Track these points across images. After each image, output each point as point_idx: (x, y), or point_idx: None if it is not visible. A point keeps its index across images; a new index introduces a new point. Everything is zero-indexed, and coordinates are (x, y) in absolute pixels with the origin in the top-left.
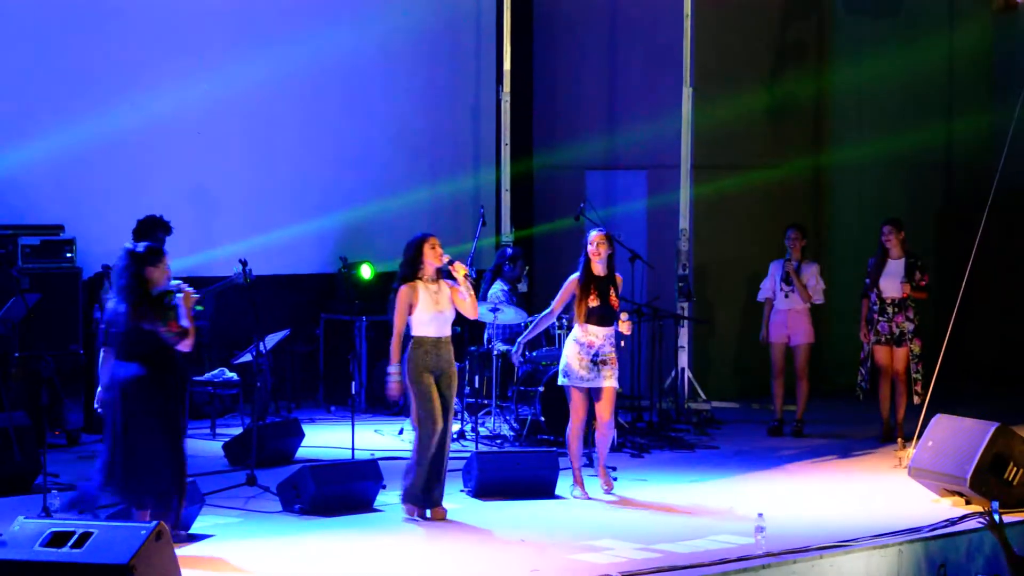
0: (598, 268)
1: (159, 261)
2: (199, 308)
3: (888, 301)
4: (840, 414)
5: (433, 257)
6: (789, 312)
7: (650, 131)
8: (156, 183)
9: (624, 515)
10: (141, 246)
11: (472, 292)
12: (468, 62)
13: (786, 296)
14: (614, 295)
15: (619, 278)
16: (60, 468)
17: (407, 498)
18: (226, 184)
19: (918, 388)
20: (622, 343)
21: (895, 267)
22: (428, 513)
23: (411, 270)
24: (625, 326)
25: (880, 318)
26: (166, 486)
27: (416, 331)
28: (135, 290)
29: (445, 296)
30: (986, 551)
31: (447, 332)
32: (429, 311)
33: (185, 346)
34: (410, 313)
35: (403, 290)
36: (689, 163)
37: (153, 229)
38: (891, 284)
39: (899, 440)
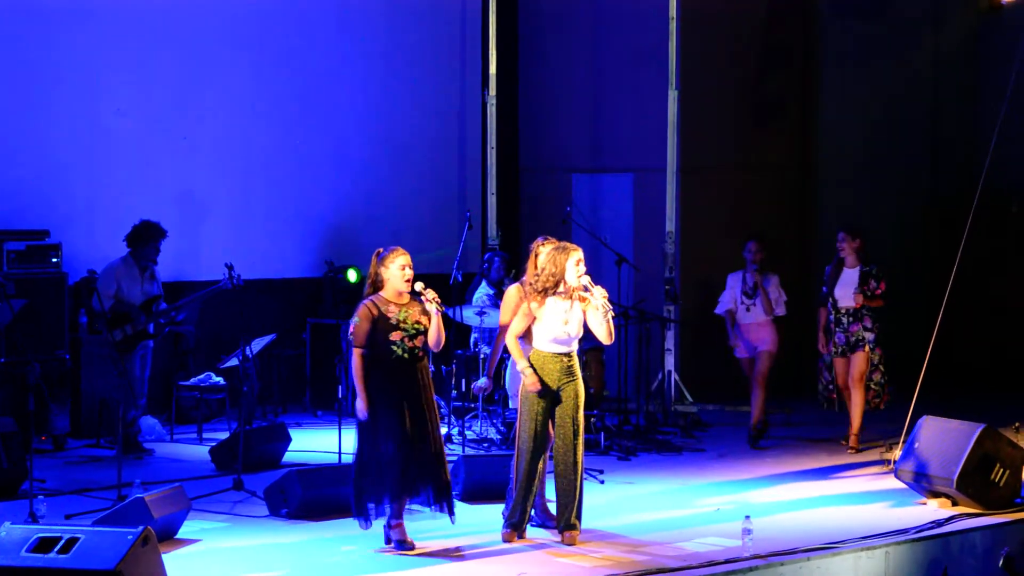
0: None
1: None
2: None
3: (843, 311)
4: (826, 417)
5: (575, 275)
6: (752, 326)
7: (636, 134)
8: (142, 188)
9: (611, 518)
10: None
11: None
12: (453, 66)
13: (748, 309)
14: None
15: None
16: (47, 474)
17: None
18: (212, 189)
19: (884, 397)
20: None
21: (850, 276)
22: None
23: (553, 283)
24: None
25: (836, 328)
26: None
27: (535, 345)
28: None
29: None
30: (974, 552)
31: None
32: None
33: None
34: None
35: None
36: (675, 166)
37: (148, 234)
38: (845, 293)
39: (885, 443)
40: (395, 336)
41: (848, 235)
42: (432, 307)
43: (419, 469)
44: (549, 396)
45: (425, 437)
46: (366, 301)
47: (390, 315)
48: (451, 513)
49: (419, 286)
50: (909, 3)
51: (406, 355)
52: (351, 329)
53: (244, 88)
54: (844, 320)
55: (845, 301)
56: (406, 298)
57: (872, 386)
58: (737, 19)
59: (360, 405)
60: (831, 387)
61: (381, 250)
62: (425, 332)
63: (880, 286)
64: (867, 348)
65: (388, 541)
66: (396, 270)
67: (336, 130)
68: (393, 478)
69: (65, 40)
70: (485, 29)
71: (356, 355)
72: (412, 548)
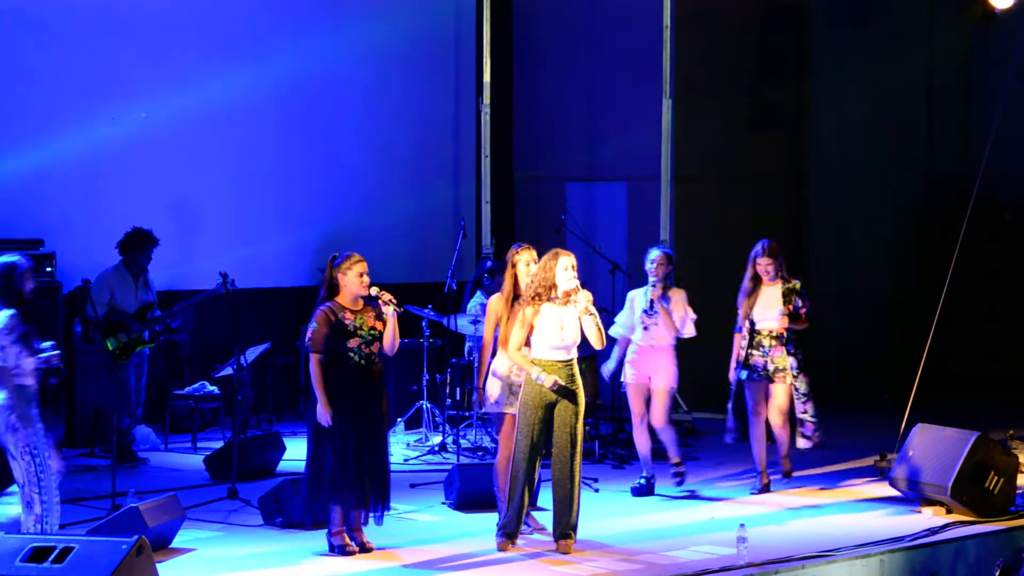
0: None
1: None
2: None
3: (763, 333)
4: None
5: (565, 279)
6: (651, 349)
7: (630, 143)
8: (136, 197)
9: (605, 526)
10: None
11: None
12: (448, 74)
13: (646, 328)
14: None
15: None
16: None
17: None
18: (206, 197)
19: (808, 430)
20: None
21: (771, 294)
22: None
23: (545, 288)
24: None
25: (754, 352)
26: None
27: (533, 353)
28: None
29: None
30: (968, 559)
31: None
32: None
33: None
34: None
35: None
36: (669, 174)
37: (140, 242)
38: (766, 314)
39: (881, 451)
40: (352, 343)
41: (771, 258)
42: (390, 309)
43: (370, 478)
44: (563, 393)
45: (377, 445)
46: (323, 307)
47: (347, 322)
48: (378, 518)
49: (374, 290)
50: (903, 11)
51: (363, 361)
52: (309, 335)
53: (238, 96)
54: (764, 343)
55: (766, 322)
56: (360, 304)
57: (808, 419)
58: (731, 27)
59: (322, 410)
60: (734, 422)
61: (336, 255)
62: (381, 337)
63: (805, 304)
64: (787, 379)
65: (331, 548)
66: (354, 276)
67: (330, 138)
68: (348, 486)
69: (59, 49)
70: (479, 37)
71: (314, 361)
72: (354, 554)
